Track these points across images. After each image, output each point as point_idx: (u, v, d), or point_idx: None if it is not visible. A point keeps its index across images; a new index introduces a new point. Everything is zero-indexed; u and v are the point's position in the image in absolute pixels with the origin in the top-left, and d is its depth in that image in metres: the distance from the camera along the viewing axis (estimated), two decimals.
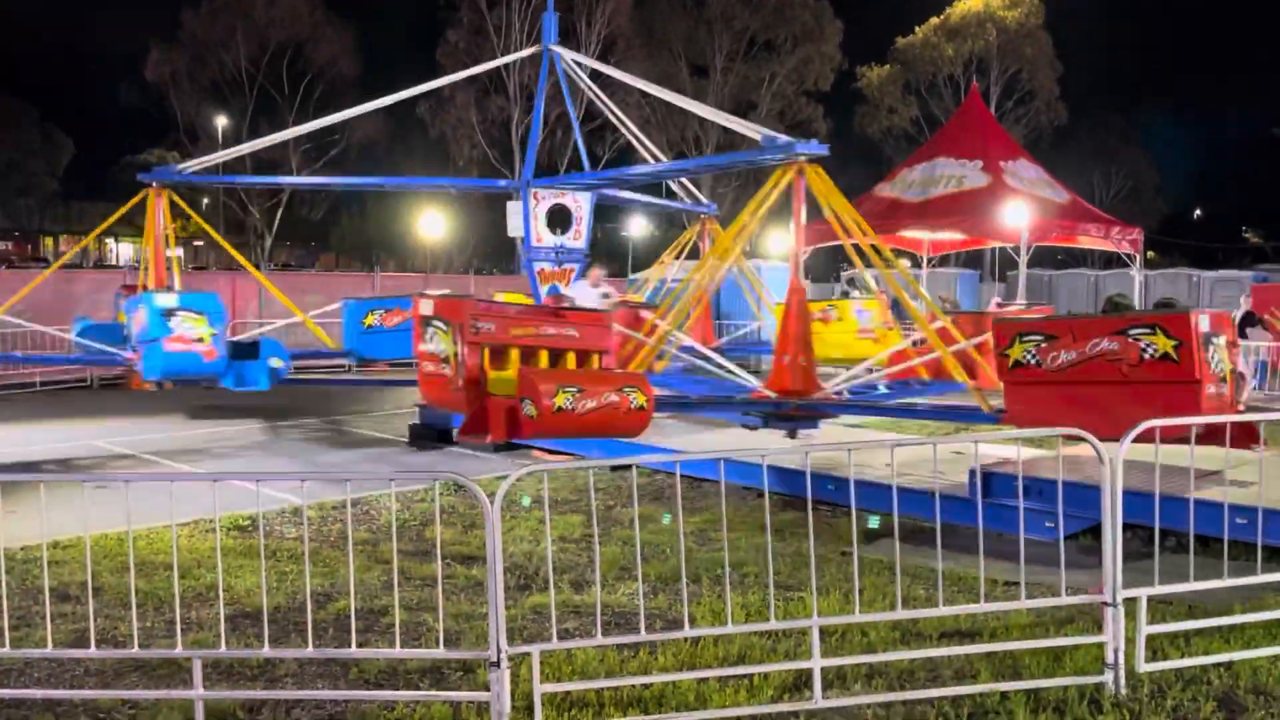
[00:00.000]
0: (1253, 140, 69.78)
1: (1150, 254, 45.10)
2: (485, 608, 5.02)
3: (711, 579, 6.32)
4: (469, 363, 7.82)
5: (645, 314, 11.15)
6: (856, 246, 10.59)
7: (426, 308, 8.28)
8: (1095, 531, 6.04)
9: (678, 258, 18.41)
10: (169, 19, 46.85)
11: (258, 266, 15.88)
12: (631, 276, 32.36)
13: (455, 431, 10.09)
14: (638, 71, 39.74)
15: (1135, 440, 4.69)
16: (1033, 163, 25.37)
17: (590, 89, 15.12)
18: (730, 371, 9.89)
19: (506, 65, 37.34)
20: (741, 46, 46.68)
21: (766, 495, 5.66)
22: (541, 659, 4.36)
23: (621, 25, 43.20)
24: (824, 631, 4.83)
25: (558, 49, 14.46)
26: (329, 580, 6.36)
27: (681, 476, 5.71)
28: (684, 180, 16.51)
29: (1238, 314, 16.03)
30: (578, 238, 13.52)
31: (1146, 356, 6.97)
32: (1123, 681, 4.50)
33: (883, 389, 11.15)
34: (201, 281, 17.78)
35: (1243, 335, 15.60)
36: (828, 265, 37.80)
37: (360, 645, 5.05)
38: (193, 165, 14.12)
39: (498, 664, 4.12)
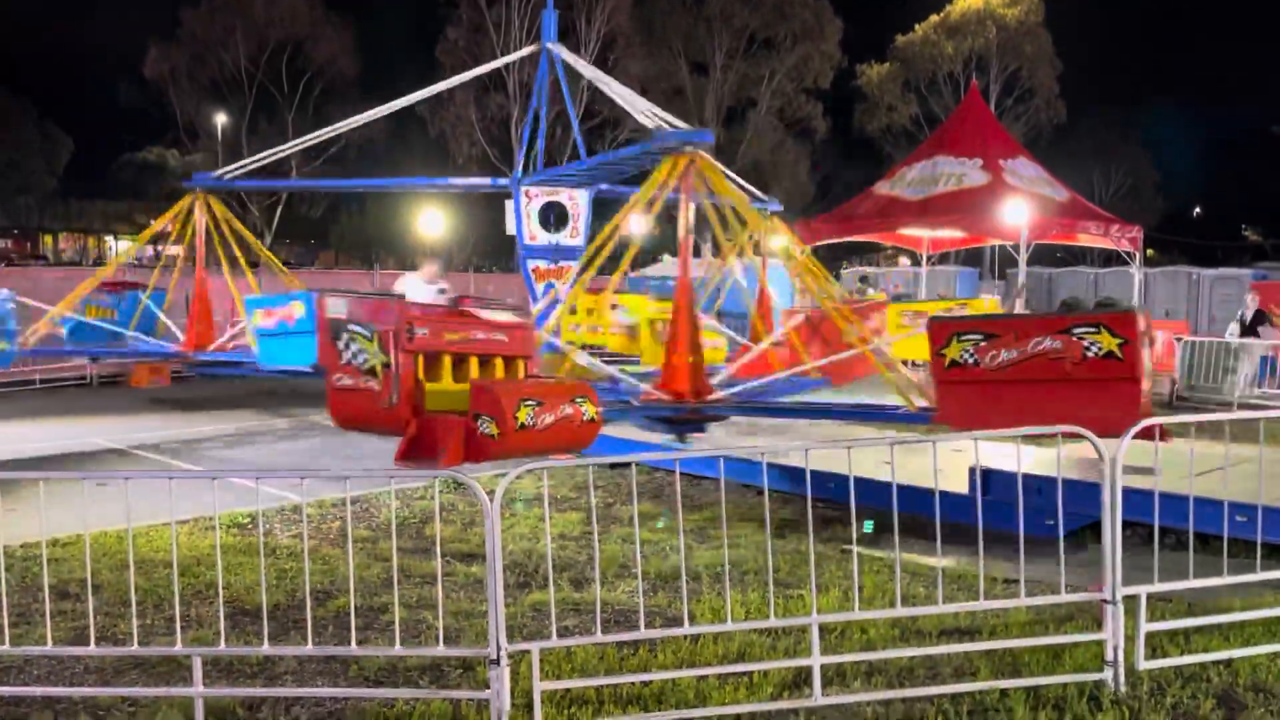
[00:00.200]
0: (1253, 138, 69.76)
1: (1150, 252, 45.09)
2: (485, 605, 5.02)
3: (711, 576, 6.32)
4: (405, 374, 7.04)
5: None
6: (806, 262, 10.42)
7: (337, 309, 7.28)
8: (1095, 529, 6.04)
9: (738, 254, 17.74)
10: (168, 17, 46.80)
11: (255, 265, 15.85)
12: (632, 275, 32.35)
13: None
14: (637, 69, 39.74)
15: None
16: (1032, 161, 25.36)
17: (595, 78, 15.11)
18: (619, 374, 9.52)
19: (507, 63, 37.33)
20: (741, 44, 46.65)
21: (766, 493, 5.66)
22: (541, 656, 4.36)
23: (621, 23, 43.15)
24: (823, 629, 4.83)
25: (557, 47, 14.45)
26: (329, 578, 6.36)
27: (681, 474, 5.70)
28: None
29: (1247, 313, 15.99)
30: (575, 235, 13.48)
31: (1090, 355, 7.00)
32: (1122, 679, 4.51)
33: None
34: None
35: (1253, 334, 15.57)
36: (827, 263, 37.80)
37: (360, 643, 5.06)
38: (232, 170, 14.29)
39: (497, 661, 4.12)
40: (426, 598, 5.87)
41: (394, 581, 4.87)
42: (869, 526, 7.21)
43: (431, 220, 18.06)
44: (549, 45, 14.36)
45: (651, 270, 30.72)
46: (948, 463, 7.99)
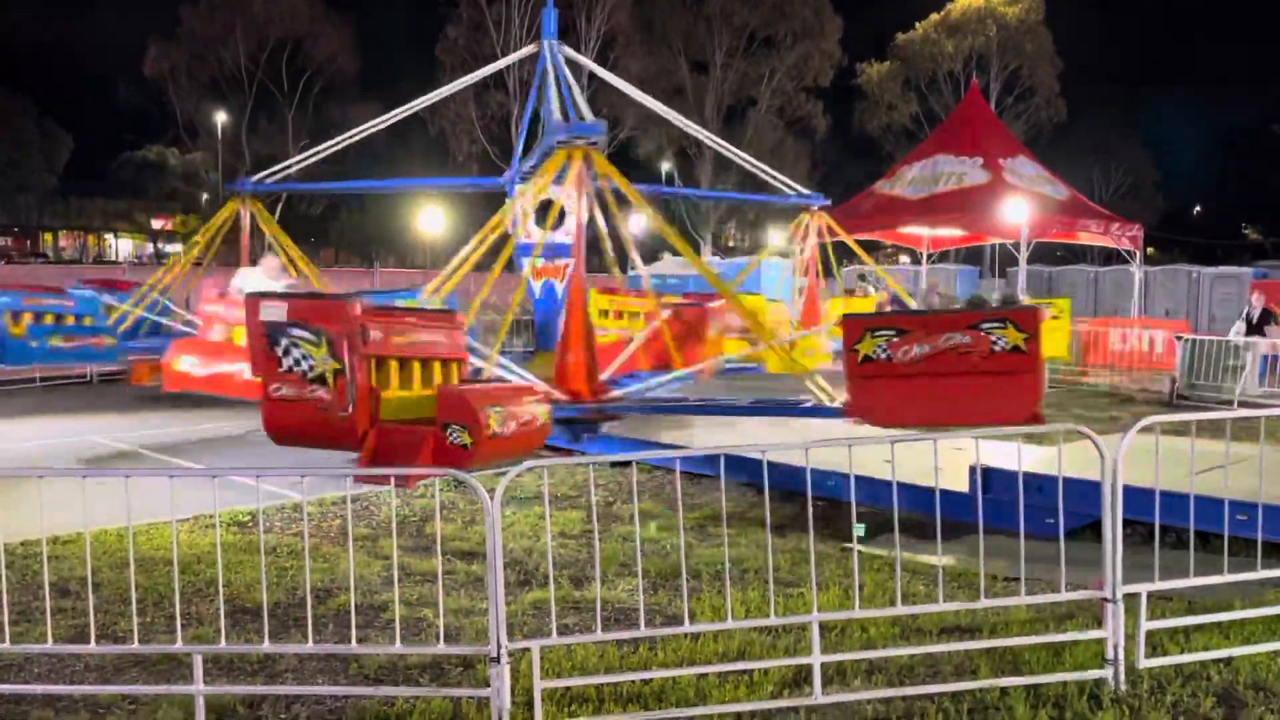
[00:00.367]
0: (1253, 137, 69.75)
1: (1150, 250, 45.07)
2: (485, 603, 5.02)
3: (711, 575, 6.32)
4: (361, 382, 6.62)
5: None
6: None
7: (274, 312, 6.71)
8: (1096, 528, 6.04)
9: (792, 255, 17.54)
10: (168, 15, 46.81)
11: (255, 263, 15.87)
12: (633, 272, 32.33)
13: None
14: (637, 68, 39.73)
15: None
16: (1032, 159, 25.37)
17: (598, 73, 15.10)
18: (513, 372, 9.46)
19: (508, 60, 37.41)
20: (741, 43, 46.68)
21: (766, 492, 5.66)
22: (541, 655, 4.36)
23: (621, 21, 43.17)
24: (824, 627, 4.83)
25: (557, 45, 14.43)
26: (329, 576, 6.36)
27: (681, 473, 5.70)
28: (761, 170, 15.98)
29: (1254, 312, 15.95)
30: (570, 233, 13.43)
31: (997, 349, 7.40)
32: (1122, 677, 4.51)
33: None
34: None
35: (1259, 332, 15.54)
36: (825, 263, 37.74)
37: (360, 641, 5.05)
38: (273, 173, 14.37)
39: (498, 659, 4.12)
40: (427, 596, 5.87)
41: (394, 579, 4.87)
42: (861, 530, 7.22)
43: (431, 218, 18.05)
44: (548, 42, 14.34)
45: (652, 269, 30.68)
46: (948, 461, 7.99)
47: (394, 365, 7.00)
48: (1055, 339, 14.01)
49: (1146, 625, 4.69)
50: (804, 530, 5.19)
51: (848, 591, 5.71)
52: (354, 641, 4.62)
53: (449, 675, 4.83)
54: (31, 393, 16.61)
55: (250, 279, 10.67)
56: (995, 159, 23.88)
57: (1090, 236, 24.34)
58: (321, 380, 6.57)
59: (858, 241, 18.18)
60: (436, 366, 7.36)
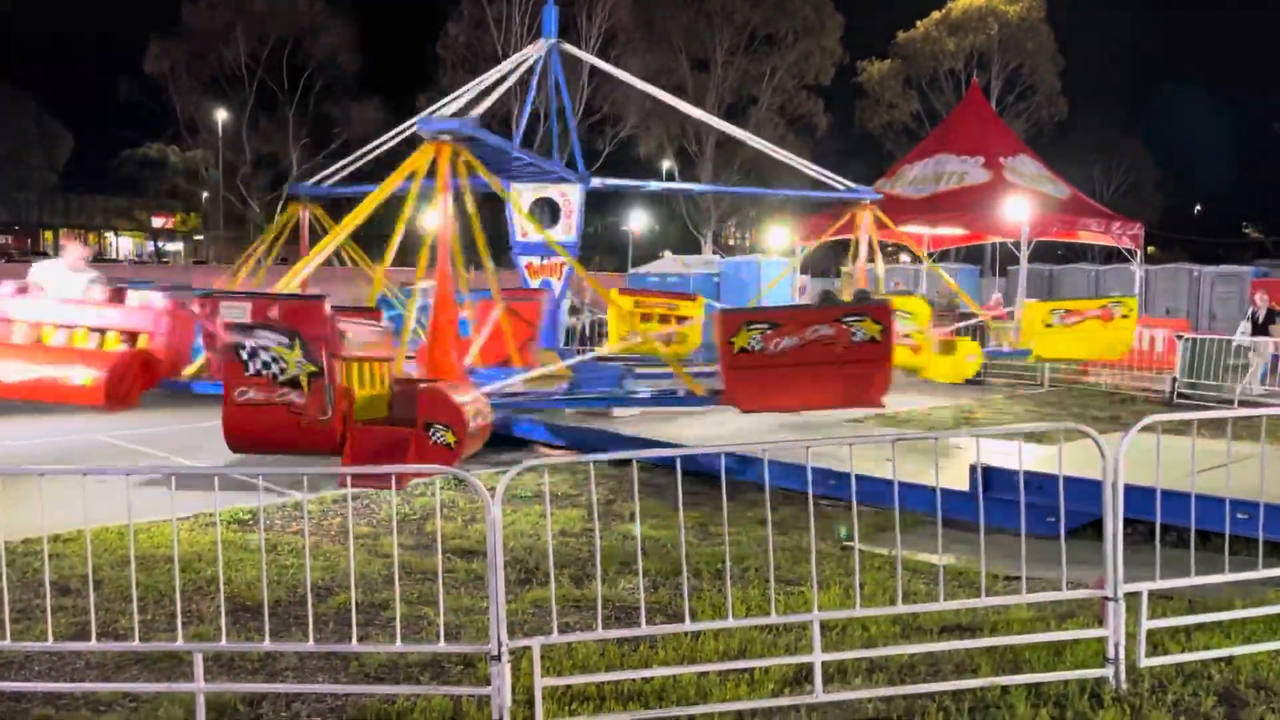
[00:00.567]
0: (1254, 135, 69.75)
1: (1151, 249, 45.06)
2: (486, 602, 5.02)
3: (712, 573, 6.32)
4: (338, 384, 6.57)
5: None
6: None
7: (235, 312, 6.60)
8: (1096, 526, 6.04)
9: (852, 251, 17.39)
10: (168, 12, 46.79)
11: (257, 262, 15.82)
12: (631, 270, 32.34)
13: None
14: (638, 65, 39.73)
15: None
16: (1033, 158, 25.37)
17: (604, 69, 15.11)
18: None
19: (506, 58, 37.45)
20: (742, 41, 46.67)
21: (767, 490, 5.66)
22: (542, 653, 4.35)
23: (622, 19, 43.16)
24: (824, 626, 4.83)
25: (559, 43, 14.45)
26: (329, 574, 6.36)
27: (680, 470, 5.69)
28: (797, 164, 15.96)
29: (1259, 311, 15.93)
30: (568, 231, 13.43)
31: (857, 339, 8.19)
32: (1123, 676, 4.50)
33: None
34: (204, 277, 17.72)
35: (1265, 332, 15.52)
36: (827, 259, 37.76)
37: (361, 639, 5.05)
38: (329, 175, 14.41)
39: (498, 658, 4.12)
40: (427, 594, 5.87)
41: (395, 578, 4.86)
42: (843, 532, 7.24)
43: (432, 217, 18.04)
44: (550, 41, 14.34)
45: (653, 267, 30.67)
46: (949, 460, 7.99)
47: (354, 368, 7.07)
48: (1121, 338, 13.69)
49: (1147, 624, 4.69)
50: (804, 528, 5.19)
51: (848, 590, 5.71)
52: (354, 640, 4.62)
53: (449, 674, 4.82)
54: None
55: (49, 271, 9.93)
56: (996, 158, 23.89)
57: (1091, 235, 24.34)
58: (294, 383, 6.46)
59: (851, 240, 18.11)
60: (375, 367, 7.46)
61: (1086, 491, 6.16)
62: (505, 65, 14.38)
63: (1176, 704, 4.39)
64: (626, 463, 5.16)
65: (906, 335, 12.21)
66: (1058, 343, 13.70)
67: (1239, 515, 6.04)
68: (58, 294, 9.46)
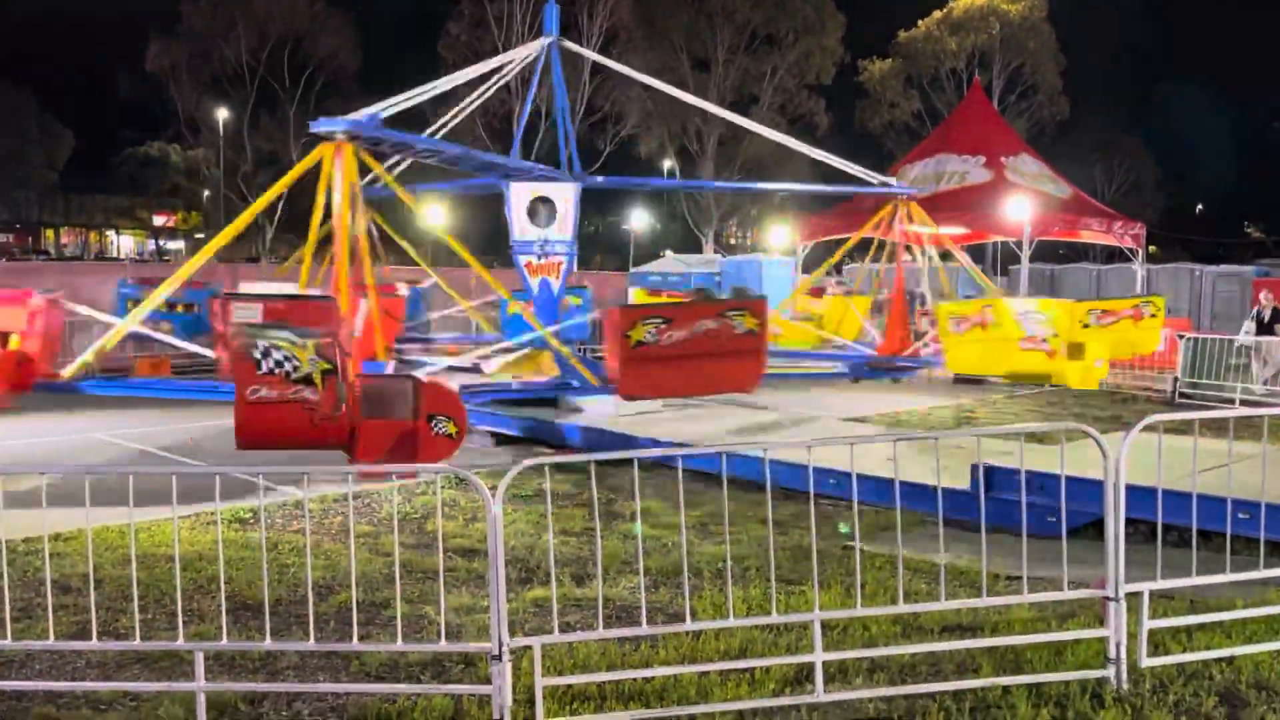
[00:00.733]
0: (1256, 135, 69.74)
1: (1152, 249, 45.03)
2: (487, 601, 5.02)
3: (713, 573, 6.32)
4: (348, 381, 6.90)
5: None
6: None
7: (249, 312, 6.86)
8: (1098, 526, 6.04)
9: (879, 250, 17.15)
10: (169, 11, 46.77)
11: (257, 260, 15.77)
12: (633, 270, 32.34)
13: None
14: (639, 64, 39.70)
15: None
16: (1035, 157, 25.35)
17: (610, 65, 15.05)
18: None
19: (508, 56, 37.46)
20: (743, 40, 46.62)
21: (768, 489, 5.65)
22: (543, 652, 4.35)
23: (623, 18, 43.13)
24: (825, 625, 4.82)
25: (561, 41, 14.42)
26: (330, 573, 6.35)
27: (681, 470, 5.69)
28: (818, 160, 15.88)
29: (1266, 311, 15.88)
30: (564, 230, 13.40)
31: (737, 332, 9.08)
32: (1125, 676, 4.50)
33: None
34: (205, 274, 17.72)
35: (1270, 332, 15.48)
36: (827, 259, 37.72)
37: (362, 638, 5.05)
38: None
39: (499, 657, 4.12)
40: (428, 593, 5.87)
41: (396, 577, 4.86)
42: (845, 530, 7.25)
43: (433, 215, 18.00)
44: (551, 39, 14.32)
45: (654, 266, 30.68)
46: (951, 460, 7.99)
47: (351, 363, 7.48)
48: (1149, 337, 13.36)
49: (1149, 624, 4.68)
50: (805, 528, 5.18)
51: (849, 589, 5.71)
52: (355, 639, 4.61)
53: (450, 673, 4.82)
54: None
55: None
56: (998, 157, 23.88)
57: (1092, 235, 24.33)
58: (308, 380, 6.65)
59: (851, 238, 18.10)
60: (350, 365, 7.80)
61: (1088, 491, 6.17)
62: (494, 61, 14.37)
63: (1177, 704, 4.38)
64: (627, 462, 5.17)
65: (1043, 340, 11.67)
66: (1095, 342, 13.59)
67: (1240, 515, 6.03)
68: None
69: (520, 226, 13.04)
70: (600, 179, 15.37)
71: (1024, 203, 20.72)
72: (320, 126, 9.41)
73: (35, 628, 5.21)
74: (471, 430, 10.39)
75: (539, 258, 13.12)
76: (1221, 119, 73.33)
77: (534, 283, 13.07)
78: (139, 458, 10.60)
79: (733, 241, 61.42)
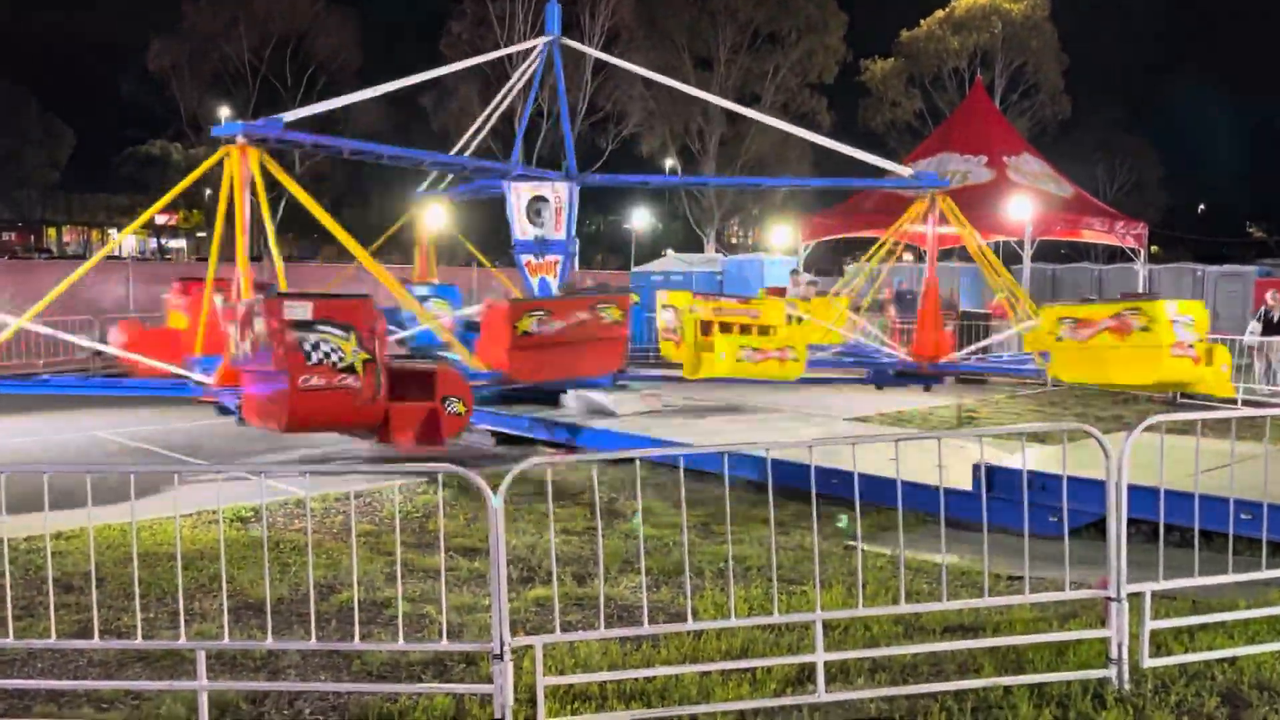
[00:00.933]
0: (1258, 134, 69.66)
1: (1154, 248, 44.98)
2: (488, 600, 5.02)
3: (714, 572, 6.32)
4: (384, 369, 7.73)
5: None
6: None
7: (298, 310, 7.45)
8: (1100, 526, 6.04)
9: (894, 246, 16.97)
10: (171, 10, 46.77)
11: (258, 259, 15.74)
12: (634, 269, 32.35)
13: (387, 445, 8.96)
14: (641, 63, 39.71)
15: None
16: (1037, 157, 25.33)
17: (614, 63, 15.05)
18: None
19: (511, 56, 37.45)
20: (745, 39, 46.57)
21: (770, 489, 5.65)
22: (544, 652, 4.35)
23: (625, 17, 43.08)
24: (827, 625, 4.82)
25: (563, 40, 14.43)
26: (332, 572, 6.36)
27: (682, 469, 5.69)
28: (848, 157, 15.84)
29: (1274, 311, 15.81)
30: (558, 229, 13.40)
31: (604, 321, 10.39)
32: (1126, 676, 4.50)
33: None
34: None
35: (1276, 332, 15.44)
36: (828, 259, 37.74)
37: (363, 637, 5.05)
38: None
39: (500, 656, 4.12)
40: (430, 592, 5.87)
41: (397, 576, 4.86)
42: (843, 521, 7.26)
43: (435, 214, 18.00)
44: (552, 38, 14.33)
45: (655, 265, 30.68)
46: (952, 459, 7.99)
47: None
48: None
49: (1151, 624, 4.68)
50: (807, 527, 5.18)
51: (851, 589, 5.70)
52: (357, 638, 4.62)
53: (452, 672, 4.82)
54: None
55: None
56: (1000, 156, 23.86)
57: (1094, 234, 24.30)
58: (351, 369, 7.43)
59: (853, 239, 18.06)
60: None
61: (1090, 491, 6.16)
62: (491, 55, 14.38)
63: (1179, 705, 4.38)
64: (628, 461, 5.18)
65: (1190, 345, 10.08)
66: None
67: (1243, 515, 6.03)
68: None
69: (521, 226, 13.07)
70: (598, 176, 15.34)
71: (1026, 202, 20.70)
72: (222, 131, 9.56)
73: (37, 626, 5.22)
74: (472, 429, 10.49)
75: (537, 257, 13.14)
76: (1224, 118, 73.32)
77: (534, 282, 13.09)
78: (141, 456, 10.61)
79: (734, 241, 61.40)
